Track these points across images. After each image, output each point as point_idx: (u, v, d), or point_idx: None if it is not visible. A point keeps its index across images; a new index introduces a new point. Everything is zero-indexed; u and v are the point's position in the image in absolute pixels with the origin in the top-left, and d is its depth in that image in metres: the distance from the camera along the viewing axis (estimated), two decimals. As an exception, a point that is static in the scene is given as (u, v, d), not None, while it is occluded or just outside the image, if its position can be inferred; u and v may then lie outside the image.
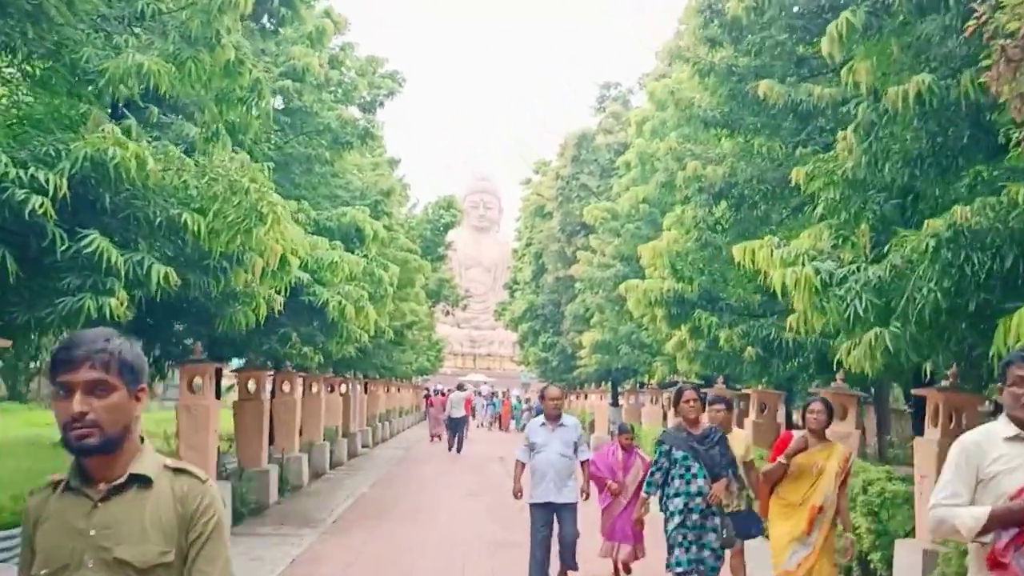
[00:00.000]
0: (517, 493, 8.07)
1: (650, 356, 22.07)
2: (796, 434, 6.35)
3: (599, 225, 25.76)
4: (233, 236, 7.42)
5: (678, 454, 6.58)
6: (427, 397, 38.35)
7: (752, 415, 14.54)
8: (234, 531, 11.29)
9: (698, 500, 6.49)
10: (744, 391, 15.90)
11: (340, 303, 11.88)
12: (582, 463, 8.05)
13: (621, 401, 31.32)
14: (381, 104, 17.84)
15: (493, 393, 47.12)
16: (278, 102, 16.01)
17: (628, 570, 8.68)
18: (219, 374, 16.01)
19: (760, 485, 6.48)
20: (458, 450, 25.90)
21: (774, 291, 12.99)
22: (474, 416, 39.90)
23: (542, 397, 8.10)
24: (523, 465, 8.06)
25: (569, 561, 7.85)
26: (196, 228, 7.13)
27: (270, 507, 13.51)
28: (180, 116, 10.44)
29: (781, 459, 6.18)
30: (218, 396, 15.34)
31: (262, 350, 13.19)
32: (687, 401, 6.67)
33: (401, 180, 25.84)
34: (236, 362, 16.67)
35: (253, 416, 13.85)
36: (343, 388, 23.92)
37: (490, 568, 9.77)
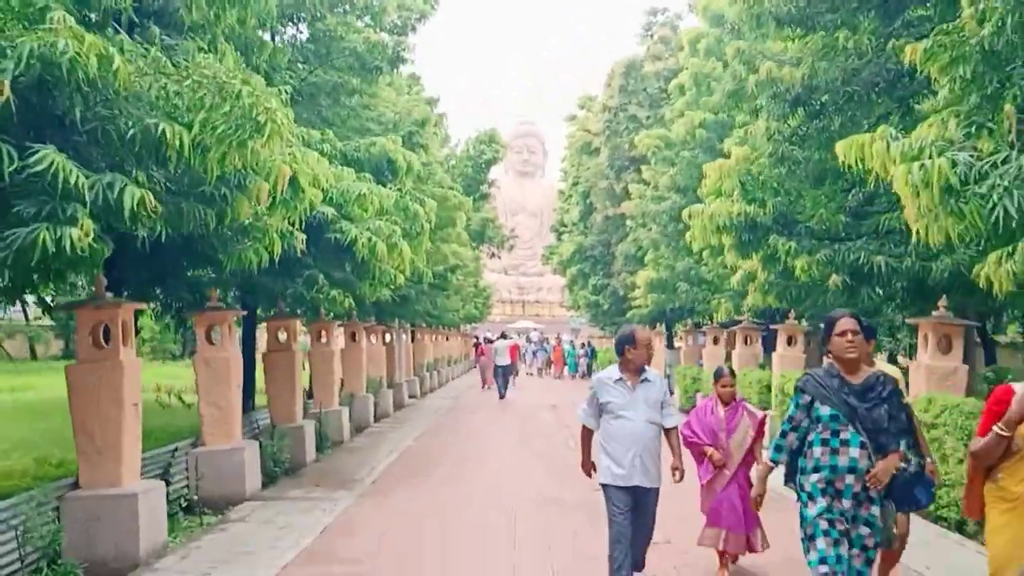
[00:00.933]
0: (588, 470, 6.09)
1: (710, 293, 20.68)
2: (1018, 388, 4.01)
3: (652, 155, 24.18)
4: (225, 151, 6.13)
5: (824, 411, 4.53)
6: (477, 345, 37.42)
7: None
8: (263, 495, 10.29)
9: (850, 479, 4.47)
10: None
11: (370, 240, 10.66)
12: (668, 431, 5.95)
13: (677, 343, 29.96)
14: (413, 28, 16.39)
15: (544, 339, 45.93)
16: (303, 31, 14.76)
17: (735, 560, 6.91)
18: (252, 323, 14.97)
19: (971, 470, 4.19)
20: (502, 396, 25.08)
21: (860, 211, 11.59)
22: (524, 362, 38.87)
23: (633, 342, 5.74)
24: (591, 433, 6.03)
25: (638, 558, 5.99)
26: (178, 142, 5.87)
27: (307, 466, 12.48)
28: (185, 37, 9.18)
29: (999, 428, 3.97)
30: (250, 347, 14.37)
31: (286, 294, 11.99)
32: (843, 333, 4.51)
33: (441, 116, 24.41)
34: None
35: (285, 368, 12.73)
36: (387, 337, 22.94)
37: (540, 526, 8.60)
